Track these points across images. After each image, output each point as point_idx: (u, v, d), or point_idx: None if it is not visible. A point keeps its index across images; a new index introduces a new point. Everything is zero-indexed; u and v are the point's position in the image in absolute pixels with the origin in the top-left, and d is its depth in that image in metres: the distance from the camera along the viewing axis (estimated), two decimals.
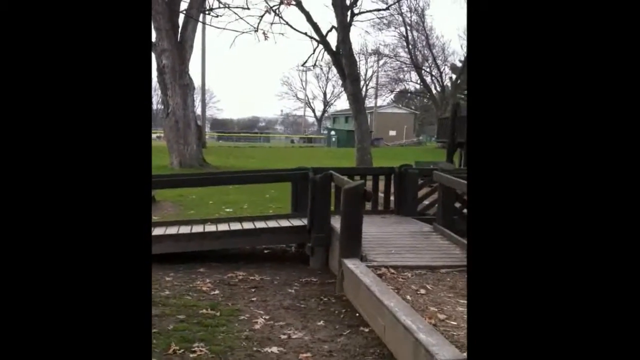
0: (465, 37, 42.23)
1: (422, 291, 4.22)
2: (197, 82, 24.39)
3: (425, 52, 42.37)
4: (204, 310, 4.40)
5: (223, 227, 6.80)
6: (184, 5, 17.08)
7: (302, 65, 23.34)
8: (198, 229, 6.71)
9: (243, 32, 11.33)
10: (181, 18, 17.01)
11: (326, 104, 64.04)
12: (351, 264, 4.80)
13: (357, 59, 21.86)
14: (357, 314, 4.31)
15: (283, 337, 3.85)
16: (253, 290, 5.13)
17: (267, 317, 4.28)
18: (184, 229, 6.65)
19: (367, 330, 3.94)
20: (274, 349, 3.61)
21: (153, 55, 16.41)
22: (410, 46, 41.08)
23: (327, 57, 19.47)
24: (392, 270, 4.74)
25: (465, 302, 4.00)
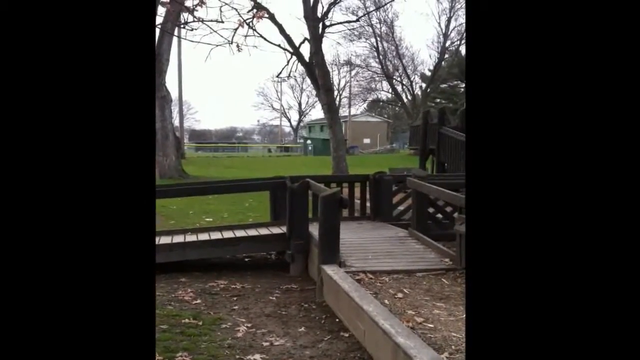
0: (434, 47, 42.78)
1: (400, 295, 4.24)
2: (174, 95, 24.25)
3: (396, 62, 42.77)
4: (187, 320, 4.33)
5: (203, 236, 6.73)
6: (159, 20, 16.95)
7: (277, 77, 23.37)
8: (179, 239, 6.63)
9: (218, 45, 11.26)
10: (157, 32, 16.89)
11: (301, 113, 64.15)
12: (330, 270, 4.79)
13: (330, 70, 22.01)
14: (337, 320, 4.29)
15: (265, 344, 3.82)
16: (235, 298, 5.08)
17: (249, 325, 4.24)
18: (165, 239, 6.56)
19: (347, 335, 3.93)
20: (257, 357, 3.57)
21: None
22: (380, 56, 41.44)
23: (301, 68, 19.53)
24: (370, 275, 4.75)
25: (441, 304, 4.02)
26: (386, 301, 4.04)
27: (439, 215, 6.99)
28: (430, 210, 6.91)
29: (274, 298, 5.09)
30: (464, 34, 39.59)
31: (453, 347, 3.19)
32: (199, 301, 4.95)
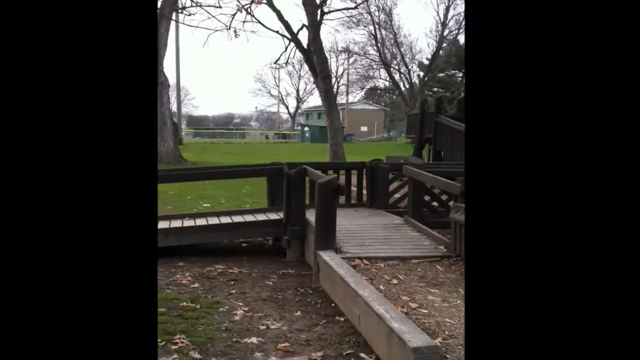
0: (432, 36, 42.55)
1: (395, 281, 4.27)
2: (172, 80, 24.11)
3: (394, 50, 42.49)
4: (185, 303, 4.37)
5: (201, 221, 6.75)
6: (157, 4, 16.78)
7: (275, 63, 23.18)
8: (176, 224, 6.65)
9: (216, 30, 11.17)
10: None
11: (299, 100, 63.79)
12: (326, 255, 4.82)
13: (328, 57, 21.87)
14: (333, 304, 4.33)
15: (262, 327, 3.86)
16: (232, 283, 5.11)
17: (246, 309, 4.27)
18: (163, 224, 6.57)
19: (342, 319, 3.97)
20: (253, 340, 3.61)
21: None
22: (379, 44, 41.14)
23: (299, 54, 19.42)
24: (366, 262, 4.78)
25: (435, 291, 4.06)
26: (381, 287, 4.08)
27: (435, 203, 7.02)
28: (426, 198, 6.94)
29: (271, 283, 5.12)
30: (463, 24, 39.43)
31: (446, 332, 3.23)
32: (196, 285, 4.98)
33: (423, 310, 3.61)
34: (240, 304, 4.43)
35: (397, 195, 7.75)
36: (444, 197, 6.88)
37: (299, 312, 4.20)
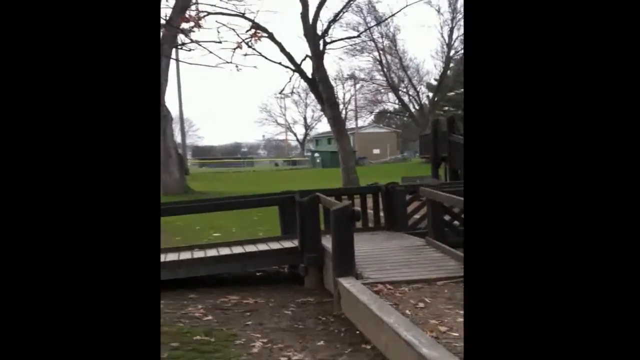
0: (438, 57, 42.82)
1: (421, 305, 4.14)
2: (175, 113, 24.39)
3: (401, 73, 42.71)
4: (198, 337, 4.24)
5: (212, 252, 6.65)
6: None
7: (280, 93, 23.40)
8: (186, 255, 6.55)
9: (217, 65, 11.18)
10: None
11: (307, 127, 64.12)
12: (347, 282, 4.70)
13: (334, 84, 22.00)
14: (358, 332, 4.19)
15: (283, 359, 3.72)
16: (248, 314, 4.98)
17: (264, 341, 4.14)
18: (172, 256, 6.47)
19: (369, 347, 3.82)
20: None
21: None
22: (385, 69, 41.39)
23: (303, 84, 19.53)
24: (389, 286, 4.65)
25: None
26: (407, 311, 3.94)
27: (456, 222, 6.90)
28: (446, 218, 6.83)
29: (290, 312, 4.99)
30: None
31: None
32: (210, 317, 4.85)
33: (453, 334, 3.46)
34: (258, 335, 4.29)
35: (416, 217, 7.64)
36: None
37: (322, 342, 4.05)
